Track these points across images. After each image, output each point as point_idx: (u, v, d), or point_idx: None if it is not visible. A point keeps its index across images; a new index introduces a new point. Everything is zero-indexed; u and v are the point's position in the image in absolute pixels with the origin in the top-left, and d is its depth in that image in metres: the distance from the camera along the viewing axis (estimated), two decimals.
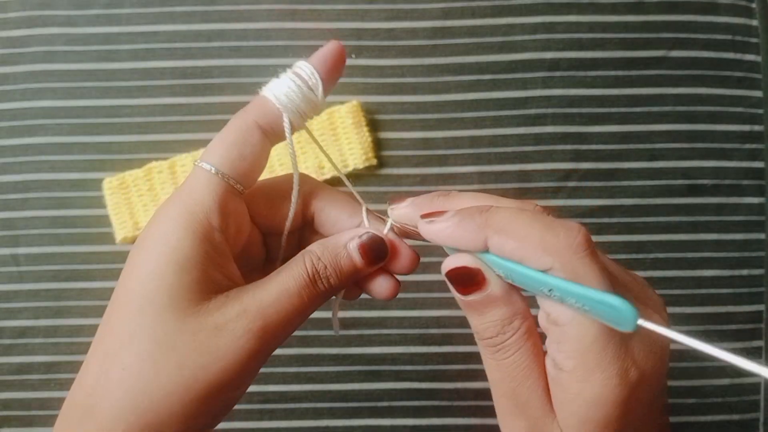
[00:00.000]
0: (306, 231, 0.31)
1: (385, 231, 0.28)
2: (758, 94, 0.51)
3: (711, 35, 0.51)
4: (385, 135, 0.51)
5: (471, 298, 0.24)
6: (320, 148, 0.30)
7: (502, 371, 0.24)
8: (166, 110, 0.51)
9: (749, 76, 0.51)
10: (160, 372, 0.23)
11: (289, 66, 0.47)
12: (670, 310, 0.52)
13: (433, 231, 0.25)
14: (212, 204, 0.25)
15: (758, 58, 0.51)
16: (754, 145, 0.51)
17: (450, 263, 0.25)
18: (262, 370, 0.50)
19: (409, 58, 0.51)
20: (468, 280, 0.24)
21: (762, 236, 0.50)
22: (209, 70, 0.51)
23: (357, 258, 0.27)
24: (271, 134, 0.27)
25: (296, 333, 0.51)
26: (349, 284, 0.28)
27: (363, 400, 0.50)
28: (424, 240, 0.27)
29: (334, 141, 0.50)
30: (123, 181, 0.49)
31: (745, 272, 0.50)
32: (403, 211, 0.28)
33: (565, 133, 0.51)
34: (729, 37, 0.51)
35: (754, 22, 0.51)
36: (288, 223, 0.29)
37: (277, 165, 0.49)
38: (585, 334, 0.22)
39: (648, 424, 0.25)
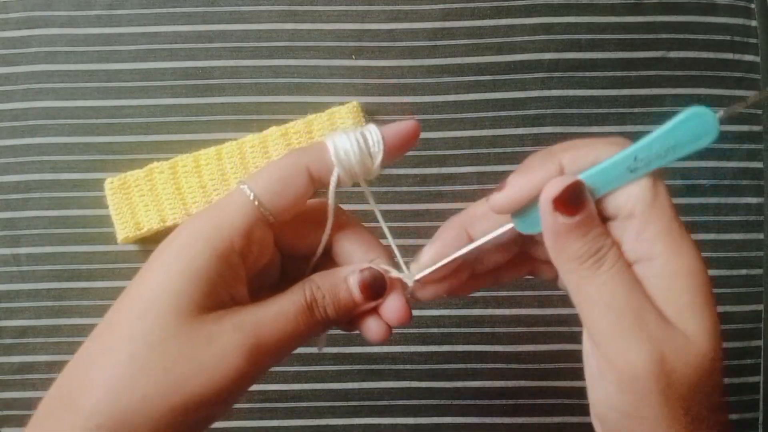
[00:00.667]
0: (324, 258, 0.31)
1: (408, 289, 0.29)
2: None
3: (710, 36, 0.51)
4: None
5: (578, 217, 0.24)
6: (375, 208, 0.30)
7: (615, 282, 0.24)
8: (168, 111, 0.51)
9: (748, 76, 0.51)
10: (145, 374, 0.24)
11: (288, 67, 0.48)
12: None
13: (510, 193, 0.25)
14: (240, 227, 0.26)
15: (757, 59, 0.51)
16: (752, 146, 0.51)
17: (558, 185, 0.24)
18: None
19: (409, 59, 0.51)
20: (577, 197, 0.24)
21: (761, 236, 0.51)
22: (210, 71, 0.51)
23: (356, 292, 0.27)
24: (318, 182, 0.28)
25: None
26: (348, 317, 0.28)
27: (363, 399, 0.50)
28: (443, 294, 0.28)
29: None
30: (124, 181, 0.50)
31: (743, 272, 0.50)
32: (433, 250, 0.28)
33: (564, 134, 0.51)
34: (728, 37, 0.51)
35: (753, 23, 0.51)
36: (316, 256, 0.29)
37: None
38: (664, 214, 0.24)
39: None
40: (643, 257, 0.24)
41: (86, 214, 0.50)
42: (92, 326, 0.52)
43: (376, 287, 0.27)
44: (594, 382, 0.26)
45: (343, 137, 0.27)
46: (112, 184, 0.50)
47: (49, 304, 0.50)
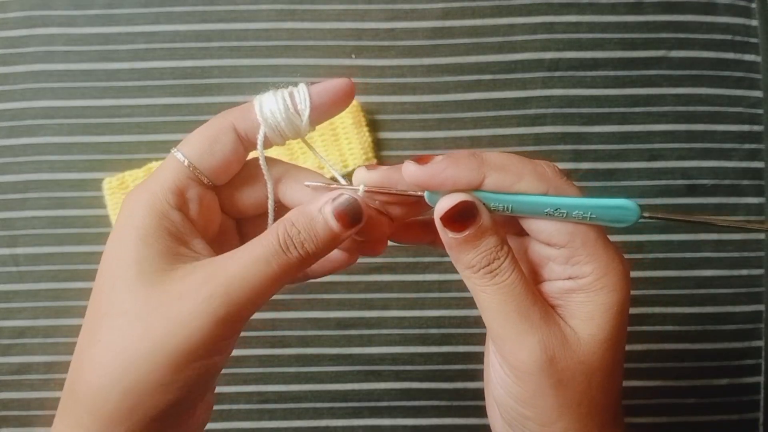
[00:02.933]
0: (282, 213, 0.31)
1: (359, 193, 0.27)
2: (758, 94, 0.51)
3: (710, 35, 0.51)
4: (385, 135, 0.51)
5: (467, 233, 0.26)
6: (316, 154, 0.30)
7: (505, 292, 0.26)
8: (166, 110, 0.51)
9: (748, 76, 0.51)
10: (131, 341, 0.24)
11: (287, 66, 0.47)
12: (670, 309, 0.53)
13: (430, 171, 0.26)
14: (171, 185, 0.27)
15: (757, 58, 0.51)
16: (753, 145, 0.51)
17: (447, 203, 0.26)
18: (262, 369, 0.50)
19: (409, 58, 0.51)
20: (465, 216, 0.26)
21: (761, 236, 0.50)
22: (209, 70, 0.51)
23: (332, 221, 0.26)
24: (247, 141, 0.28)
25: (296, 333, 0.51)
26: (328, 252, 0.27)
27: (363, 400, 0.50)
28: (397, 203, 0.28)
29: (334, 141, 0.50)
30: (123, 181, 0.49)
31: (744, 272, 0.50)
32: (377, 173, 0.27)
33: (564, 133, 0.51)
34: (728, 37, 0.51)
35: (754, 22, 0.51)
36: (270, 215, 0.29)
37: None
38: (590, 240, 0.26)
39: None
40: (574, 276, 0.26)
41: (84, 214, 0.50)
42: None
43: (352, 213, 0.26)
44: (494, 371, 0.28)
45: (270, 95, 0.27)
46: (110, 183, 0.49)
47: (47, 304, 0.50)
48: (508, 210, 0.26)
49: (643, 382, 0.50)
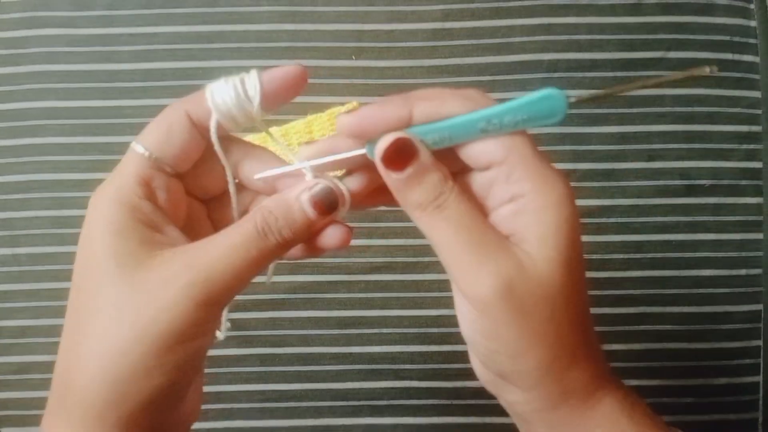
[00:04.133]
0: (243, 194, 0.31)
1: (307, 171, 0.28)
2: (756, 94, 0.51)
3: (709, 36, 0.51)
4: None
5: (408, 171, 0.26)
6: (272, 137, 0.30)
7: (456, 224, 0.26)
8: None
9: (747, 76, 0.51)
10: (119, 331, 0.25)
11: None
12: (669, 309, 0.53)
13: (358, 117, 0.26)
14: (135, 177, 0.27)
15: (756, 59, 0.51)
16: (751, 146, 0.51)
17: (383, 143, 0.26)
18: (262, 368, 0.51)
19: (409, 59, 0.51)
20: (403, 153, 0.26)
21: (760, 236, 0.51)
22: (210, 72, 0.51)
23: (309, 209, 0.27)
24: (202, 128, 0.28)
25: (296, 332, 0.51)
26: (306, 236, 0.28)
27: (363, 399, 0.50)
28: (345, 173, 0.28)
29: None
30: None
31: (743, 272, 0.51)
32: (316, 145, 0.28)
33: (563, 134, 0.51)
34: (727, 38, 0.51)
35: (752, 23, 0.52)
36: (233, 202, 0.30)
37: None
38: (528, 156, 0.26)
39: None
40: (516, 195, 0.26)
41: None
42: None
43: (328, 202, 0.27)
44: (458, 311, 0.28)
45: (221, 83, 0.27)
46: None
47: (49, 304, 0.50)
48: (446, 141, 0.26)
49: (642, 381, 0.50)
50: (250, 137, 0.49)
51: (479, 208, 0.27)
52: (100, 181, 0.49)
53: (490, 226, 0.26)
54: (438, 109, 0.26)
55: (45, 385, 0.52)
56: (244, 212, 0.31)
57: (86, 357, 0.25)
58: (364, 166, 0.28)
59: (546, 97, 0.26)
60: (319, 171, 0.28)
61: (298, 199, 0.27)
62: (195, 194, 0.30)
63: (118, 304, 0.25)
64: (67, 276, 0.52)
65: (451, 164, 0.28)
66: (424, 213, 0.26)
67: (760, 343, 0.50)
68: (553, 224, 0.25)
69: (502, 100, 0.26)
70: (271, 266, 0.32)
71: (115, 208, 0.26)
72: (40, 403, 0.49)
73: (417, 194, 0.26)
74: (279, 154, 0.31)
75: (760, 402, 0.50)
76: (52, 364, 0.49)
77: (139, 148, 0.27)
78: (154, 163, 0.27)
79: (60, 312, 0.49)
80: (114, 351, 0.24)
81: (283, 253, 0.27)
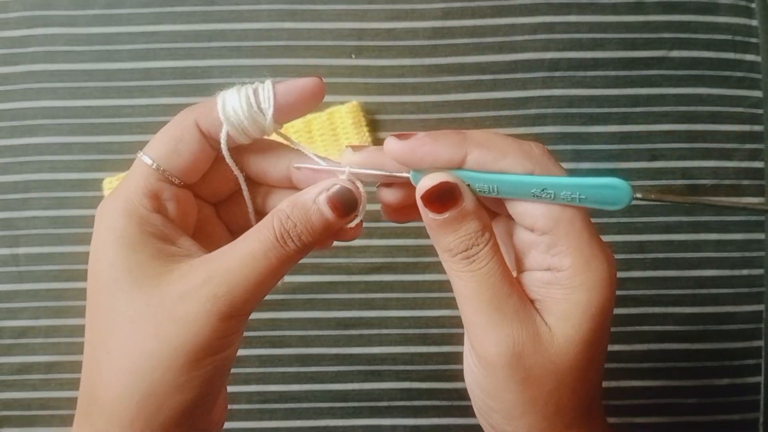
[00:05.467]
0: (254, 192, 0.30)
1: (345, 174, 0.27)
2: (758, 94, 0.51)
3: (711, 35, 0.51)
4: (385, 135, 0.50)
5: (447, 215, 0.25)
6: (294, 144, 0.29)
7: (480, 280, 0.25)
8: (167, 110, 0.50)
9: (749, 76, 0.51)
10: (142, 347, 0.24)
11: (288, 66, 0.47)
12: (671, 309, 0.53)
13: (409, 146, 0.25)
14: (143, 189, 0.26)
15: (758, 58, 0.51)
16: (754, 145, 0.51)
17: (428, 182, 0.25)
18: (262, 369, 0.50)
19: (410, 58, 0.51)
20: (446, 196, 0.25)
21: (762, 236, 0.50)
22: (209, 71, 0.51)
23: (327, 212, 0.26)
24: (212, 139, 0.27)
25: (296, 333, 0.51)
26: (324, 240, 0.27)
27: (363, 400, 0.50)
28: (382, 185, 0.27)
29: (334, 141, 0.50)
30: None
31: (745, 272, 0.50)
32: (363, 155, 0.27)
33: (565, 133, 0.51)
34: (729, 37, 0.51)
35: (754, 22, 0.51)
36: (250, 211, 0.29)
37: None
38: (574, 233, 0.25)
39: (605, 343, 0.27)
40: (553, 267, 0.25)
41: (85, 214, 0.50)
42: None
43: (346, 202, 0.26)
44: (466, 359, 0.27)
45: (233, 92, 0.26)
46: (110, 183, 0.49)
47: (48, 304, 0.50)
48: (494, 191, 0.25)
49: (644, 382, 0.50)
50: None
51: (516, 259, 0.27)
52: (99, 180, 0.50)
53: (517, 287, 0.26)
54: (494, 162, 0.25)
55: (46, 385, 0.53)
56: (257, 211, 0.30)
57: (112, 374, 0.24)
58: (403, 182, 0.27)
59: (611, 185, 0.25)
60: (355, 176, 0.27)
61: (316, 201, 0.26)
62: (204, 198, 0.30)
63: (139, 319, 0.24)
64: (67, 276, 0.52)
65: (500, 207, 0.27)
66: (452, 259, 0.26)
67: (761, 343, 0.50)
68: (582, 305, 0.25)
69: (522, 137, 0.25)
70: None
71: (124, 221, 0.25)
72: (42, 403, 0.49)
73: (450, 239, 0.25)
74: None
75: (761, 402, 0.50)
76: (53, 364, 0.49)
77: (147, 159, 0.27)
78: (162, 175, 0.27)
79: (60, 312, 0.50)
80: (141, 368, 0.24)
81: (302, 257, 0.26)
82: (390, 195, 0.28)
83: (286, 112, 0.27)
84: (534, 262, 0.26)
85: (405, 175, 0.26)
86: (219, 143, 0.27)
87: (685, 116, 0.51)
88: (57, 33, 0.51)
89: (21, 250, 0.50)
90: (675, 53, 0.51)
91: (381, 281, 0.50)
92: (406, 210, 0.29)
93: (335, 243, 0.29)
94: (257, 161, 0.29)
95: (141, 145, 0.52)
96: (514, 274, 0.27)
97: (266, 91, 0.26)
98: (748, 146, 0.51)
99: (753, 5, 0.51)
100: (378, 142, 0.51)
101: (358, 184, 0.27)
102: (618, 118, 0.51)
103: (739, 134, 0.51)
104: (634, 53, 0.51)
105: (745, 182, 0.51)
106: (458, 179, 0.25)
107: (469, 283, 0.25)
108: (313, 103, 0.27)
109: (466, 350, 0.27)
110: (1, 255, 0.50)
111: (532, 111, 0.51)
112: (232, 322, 0.25)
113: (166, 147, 0.27)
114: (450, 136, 0.25)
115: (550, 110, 0.51)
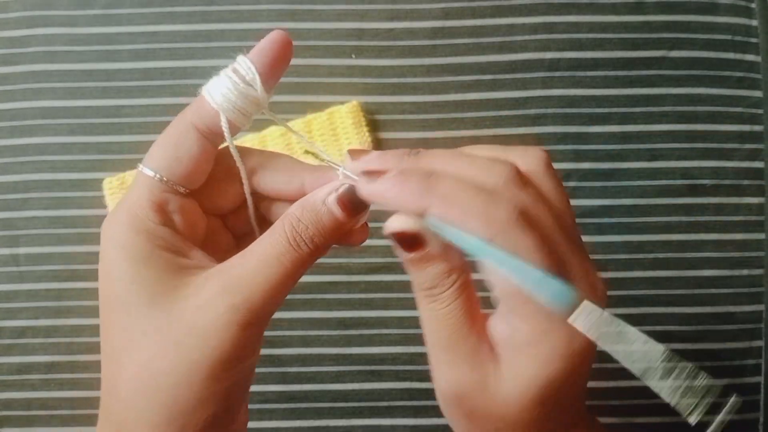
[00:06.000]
0: (258, 199, 0.30)
1: (340, 171, 0.27)
2: (758, 94, 0.51)
3: (711, 35, 0.51)
4: (385, 135, 0.51)
5: (412, 255, 0.26)
6: (284, 125, 0.29)
7: (439, 321, 0.26)
8: (167, 110, 0.51)
9: (749, 76, 0.51)
10: (162, 364, 0.24)
11: (292, 68, 0.47)
12: (670, 309, 0.53)
13: (373, 191, 0.25)
14: (148, 202, 0.26)
15: (758, 58, 0.51)
16: (753, 145, 0.51)
17: (393, 226, 0.25)
18: (262, 370, 0.50)
19: (409, 58, 0.51)
20: (412, 240, 0.25)
21: (762, 236, 0.50)
22: (209, 71, 0.50)
23: (337, 211, 0.26)
24: (210, 135, 0.27)
25: (296, 333, 0.51)
26: (335, 241, 0.27)
27: (363, 400, 0.50)
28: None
29: (334, 141, 0.50)
30: (123, 181, 0.49)
31: (744, 272, 0.50)
32: (362, 163, 0.27)
33: (564, 134, 0.51)
34: (729, 37, 0.51)
35: (754, 22, 0.51)
36: (250, 210, 0.29)
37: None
38: (537, 300, 0.23)
39: (580, 401, 0.27)
40: (513, 328, 0.25)
41: (85, 214, 0.50)
42: (91, 326, 0.52)
43: (356, 201, 0.26)
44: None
45: (215, 80, 0.26)
46: (110, 183, 0.49)
47: (48, 304, 0.50)
48: (458, 244, 0.24)
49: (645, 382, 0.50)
50: (249, 137, 0.49)
51: (477, 307, 0.26)
52: (99, 180, 0.50)
53: (478, 331, 0.25)
54: (454, 221, 0.24)
55: (46, 385, 0.53)
56: (262, 219, 0.30)
57: (133, 392, 0.24)
58: None
59: (554, 290, 0.23)
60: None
61: (326, 201, 0.26)
62: (210, 212, 0.29)
63: (156, 335, 0.24)
64: (67, 276, 0.52)
65: None
66: (419, 293, 0.26)
67: (761, 343, 0.50)
68: (534, 376, 0.24)
69: (498, 136, 0.25)
70: None
71: (133, 237, 0.25)
72: (41, 403, 0.49)
73: (417, 275, 0.26)
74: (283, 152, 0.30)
75: (761, 402, 0.50)
76: (52, 364, 0.49)
77: (148, 171, 0.26)
78: (166, 185, 0.26)
79: (60, 312, 0.50)
80: (163, 385, 0.24)
81: (316, 259, 0.26)
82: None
83: (270, 75, 0.27)
84: (500, 310, 0.26)
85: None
86: (219, 137, 0.27)
87: (685, 116, 0.51)
88: (57, 33, 0.51)
89: (21, 250, 0.50)
90: (674, 53, 0.51)
91: (381, 281, 0.50)
92: None
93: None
94: (270, 180, 0.28)
95: (141, 145, 0.52)
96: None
97: (243, 63, 0.26)
98: (747, 146, 0.51)
99: (753, 5, 0.51)
100: (378, 142, 0.51)
101: None
102: (618, 118, 0.51)
103: (738, 134, 0.51)
104: (633, 53, 0.51)
105: (745, 182, 0.51)
106: (422, 227, 0.25)
107: (429, 320, 0.26)
108: (287, 54, 0.27)
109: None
110: (1, 255, 0.50)
111: (532, 111, 0.51)
112: (252, 330, 0.25)
113: (166, 156, 0.27)
114: (415, 183, 0.24)
115: (549, 110, 0.51)
